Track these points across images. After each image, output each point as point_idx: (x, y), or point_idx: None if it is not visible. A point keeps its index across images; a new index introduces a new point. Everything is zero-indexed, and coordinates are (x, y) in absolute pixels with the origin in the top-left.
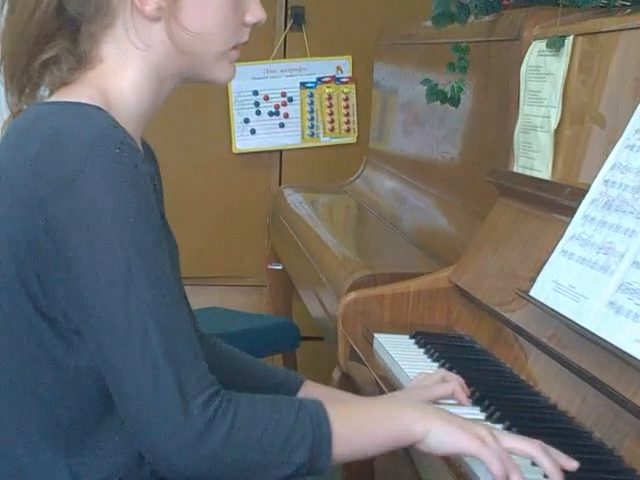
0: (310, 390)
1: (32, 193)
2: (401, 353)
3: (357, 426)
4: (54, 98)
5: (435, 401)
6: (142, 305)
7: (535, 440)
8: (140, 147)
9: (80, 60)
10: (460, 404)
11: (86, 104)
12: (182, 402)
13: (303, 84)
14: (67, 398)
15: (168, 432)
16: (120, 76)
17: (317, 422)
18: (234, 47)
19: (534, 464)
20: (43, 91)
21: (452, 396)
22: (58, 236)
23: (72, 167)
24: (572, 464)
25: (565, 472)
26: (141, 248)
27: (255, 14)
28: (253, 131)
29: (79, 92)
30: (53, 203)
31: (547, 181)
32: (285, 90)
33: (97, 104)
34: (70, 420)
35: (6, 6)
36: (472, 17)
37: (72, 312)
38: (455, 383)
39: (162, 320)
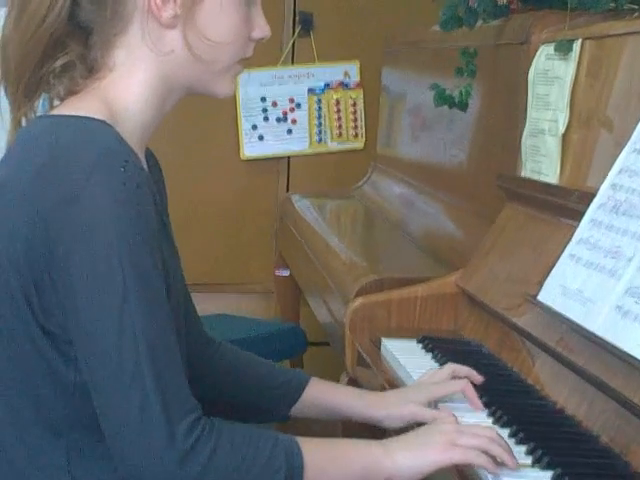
0: (316, 387)
1: (35, 207)
2: (408, 358)
3: (329, 460)
4: (60, 110)
5: (444, 401)
6: (135, 326)
7: (485, 432)
8: (144, 158)
9: (90, 68)
10: (470, 402)
11: (92, 118)
12: (167, 426)
13: (311, 90)
14: (67, 407)
15: (151, 455)
16: (128, 85)
17: (291, 456)
18: (239, 61)
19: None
20: (44, 100)
21: (461, 392)
22: (57, 251)
23: (76, 184)
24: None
25: (572, 475)
26: (139, 270)
27: (262, 30)
28: (261, 137)
29: (85, 105)
30: (54, 218)
31: (555, 185)
32: (293, 96)
33: (103, 118)
34: (70, 427)
35: (14, 11)
36: (480, 21)
37: (67, 326)
38: (465, 381)
39: (153, 343)
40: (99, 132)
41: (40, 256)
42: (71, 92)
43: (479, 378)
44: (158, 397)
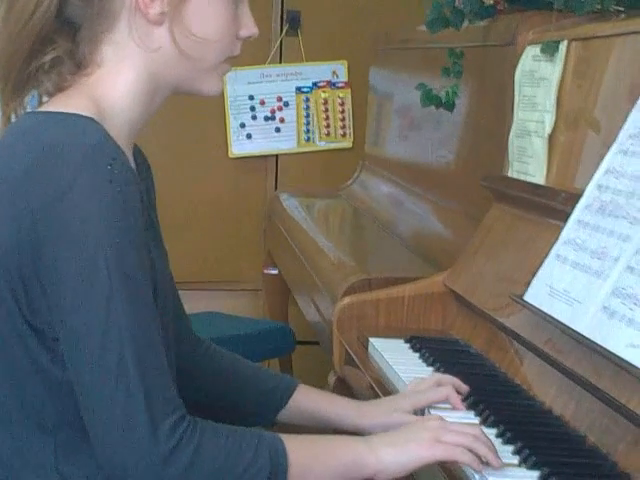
0: (304, 394)
1: (22, 205)
2: (396, 357)
3: (313, 458)
4: (48, 107)
5: (430, 406)
6: (121, 325)
7: (470, 430)
8: (131, 156)
9: (78, 64)
10: (455, 408)
11: (80, 115)
12: (151, 425)
13: (299, 89)
14: (55, 405)
15: (134, 454)
16: (115, 82)
17: (275, 454)
18: (226, 60)
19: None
20: (33, 96)
21: (446, 400)
22: (44, 249)
23: (63, 182)
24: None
25: (559, 475)
26: (124, 269)
27: (249, 28)
28: (249, 136)
29: (73, 102)
30: (42, 216)
31: (541, 186)
32: (281, 95)
33: (90, 115)
34: (58, 424)
35: (2, 7)
36: (467, 22)
37: (54, 324)
38: (449, 387)
39: (138, 342)
40: (86, 129)
41: (27, 254)
42: (59, 88)
43: (464, 387)
44: (142, 396)
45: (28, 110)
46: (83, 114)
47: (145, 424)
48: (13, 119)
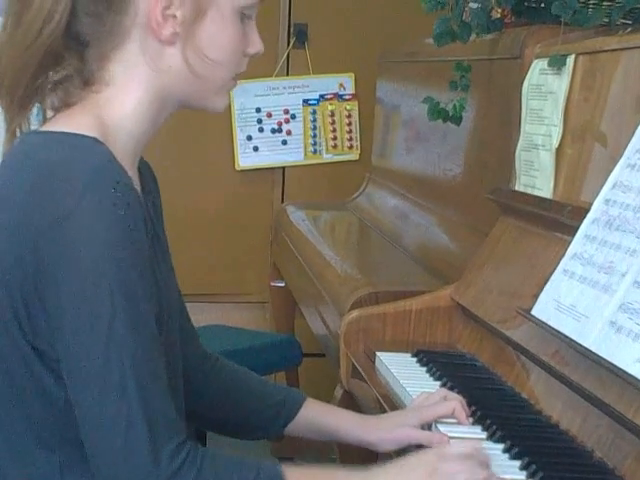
0: (311, 407)
1: (24, 227)
2: (403, 371)
3: None
4: (52, 125)
5: (436, 420)
6: (122, 349)
7: (469, 450)
8: (136, 172)
9: (86, 81)
10: (460, 423)
11: (83, 136)
12: (152, 449)
13: (306, 101)
14: (58, 423)
15: (136, 478)
16: (123, 101)
17: None
18: (233, 77)
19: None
20: (38, 112)
21: (452, 415)
22: (46, 270)
23: (66, 204)
24: None
25: None
26: (127, 291)
27: (255, 45)
28: (256, 148)
29: (77, 120)
30: (44, 238)
31: (548, 200)
32: (288, 107)
33: (94, 134)
34: (62, 443)
35: (9, 23)
36: (474, 35)
37: (56, 345)
38: (455, 402)
39: (140, 366)
40: (90, 151)
41: (29, 275)
42: (65, 104)
43: (467, 410)
44: (144, 420)
45: (32, 124)
46: (87, 134)
47: (146, 448)
48: (18, 134)
